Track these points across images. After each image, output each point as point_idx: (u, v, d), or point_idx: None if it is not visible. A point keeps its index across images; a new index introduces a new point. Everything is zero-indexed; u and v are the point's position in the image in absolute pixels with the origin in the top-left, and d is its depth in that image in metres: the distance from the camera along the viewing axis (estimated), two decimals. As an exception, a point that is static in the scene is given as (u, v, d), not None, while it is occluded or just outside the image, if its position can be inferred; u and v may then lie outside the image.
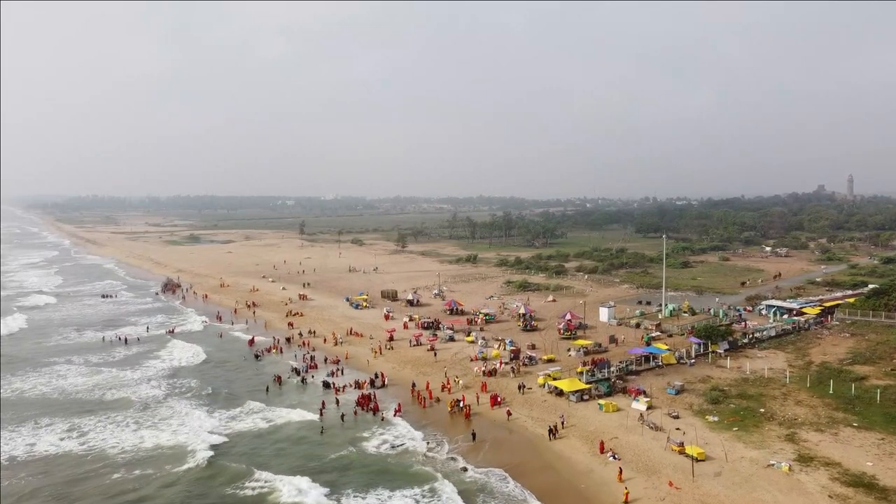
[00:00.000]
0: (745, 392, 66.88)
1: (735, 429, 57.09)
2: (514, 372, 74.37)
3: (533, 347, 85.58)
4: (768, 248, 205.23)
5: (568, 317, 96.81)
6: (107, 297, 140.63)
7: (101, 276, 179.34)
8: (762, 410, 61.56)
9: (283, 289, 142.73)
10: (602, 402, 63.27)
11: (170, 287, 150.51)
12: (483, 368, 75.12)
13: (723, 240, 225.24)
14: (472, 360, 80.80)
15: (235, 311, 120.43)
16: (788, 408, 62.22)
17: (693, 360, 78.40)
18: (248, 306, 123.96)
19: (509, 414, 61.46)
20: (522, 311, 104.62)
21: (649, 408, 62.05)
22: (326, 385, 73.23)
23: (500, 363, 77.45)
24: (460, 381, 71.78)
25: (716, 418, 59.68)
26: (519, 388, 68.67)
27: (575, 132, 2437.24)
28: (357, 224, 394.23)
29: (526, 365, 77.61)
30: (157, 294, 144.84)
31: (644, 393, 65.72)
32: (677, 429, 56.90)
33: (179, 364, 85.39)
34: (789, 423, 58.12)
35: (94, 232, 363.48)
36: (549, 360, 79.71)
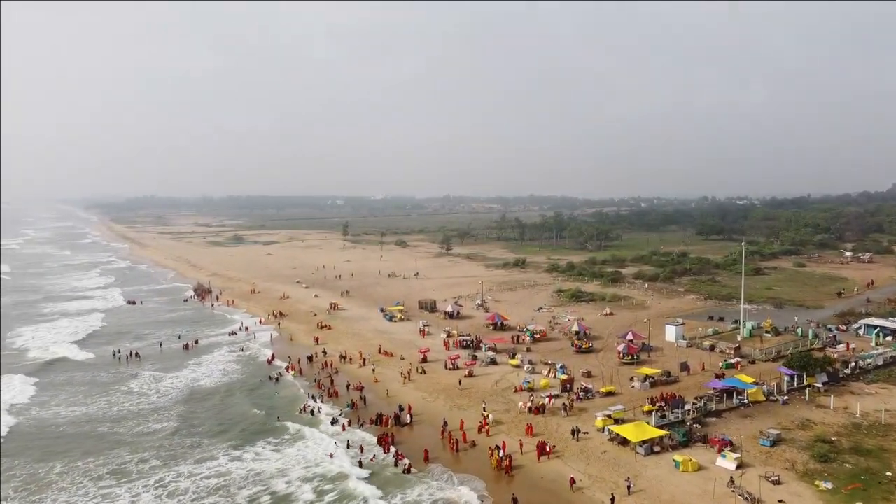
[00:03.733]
0: (860, 445, 52.97)
1: None
2: (566, 409, 61.94)
3: (589, 375, 72.87)
4: (849, 253, 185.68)
5: (629, 337, 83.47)
6: (132, 303, 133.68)
7: (133, 280, 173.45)
8: (889, 474, 47.75)
9: (316, 296, 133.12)
10: (678, 457, 50.39)
11: (200, 293, 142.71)
12: (529, 404, 62.84)
13: (794, 243, 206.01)
14: (515, 390, 68.77)
15: (261, 322, 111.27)
16: (924, 471, 48.26)
17: (786, 397, 64.43)
18: (275, 316, 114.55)
19: (573, 482, 47.99)
20: (576, 328, 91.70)
21: (739, 466, 49.00)
22: (334, 422, 62.33)
23: (550, 397, 65.07)
24: (490, 417, 60.36)
25: (829, 485, 46.22)
26: (572, 432, 56.19)
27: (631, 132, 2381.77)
28: (403, 224, 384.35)
29: (581, 399, 65.12)
30: (185, 301, 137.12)
31: (731, 444, 52.54)
32: (780, 501, 43.78)
33: (192, 385, 76.46)
34: (932, 497, 44.33)
35: (142, 232, 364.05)
36: (609, 393, 66.96)
